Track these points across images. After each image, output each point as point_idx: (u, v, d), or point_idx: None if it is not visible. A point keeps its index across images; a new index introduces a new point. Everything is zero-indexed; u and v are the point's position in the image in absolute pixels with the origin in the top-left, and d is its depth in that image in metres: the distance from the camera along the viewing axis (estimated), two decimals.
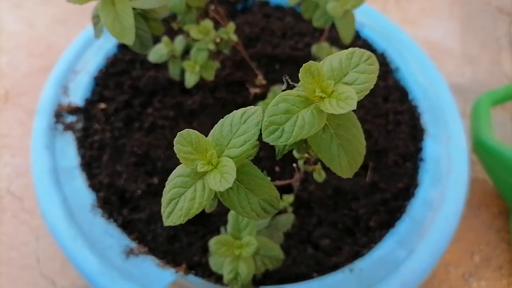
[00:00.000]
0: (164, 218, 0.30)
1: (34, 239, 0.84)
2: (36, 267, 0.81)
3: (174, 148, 0.29)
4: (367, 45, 0.84)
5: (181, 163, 0.32)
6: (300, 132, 0.29)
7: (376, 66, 0.30)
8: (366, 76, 0.29)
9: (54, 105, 0.70)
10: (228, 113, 0.75)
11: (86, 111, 0.71)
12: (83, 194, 0.62)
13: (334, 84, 0.29)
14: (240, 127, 0.30)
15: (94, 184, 0.64)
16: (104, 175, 0.64)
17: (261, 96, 0.71)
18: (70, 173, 0.64)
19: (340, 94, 0.28)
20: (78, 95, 0.72)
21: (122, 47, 0.78)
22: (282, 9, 0.87)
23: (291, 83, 0.32)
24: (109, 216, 0.61)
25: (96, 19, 0.44)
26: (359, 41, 0.84)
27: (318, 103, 0.29)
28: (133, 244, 0.59)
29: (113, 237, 0.59)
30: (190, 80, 0.59)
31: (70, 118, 0.69)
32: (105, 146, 0.67)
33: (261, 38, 0.82)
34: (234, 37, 0.58)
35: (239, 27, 0.81)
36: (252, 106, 0.30)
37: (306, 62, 0.80)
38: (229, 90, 0.74)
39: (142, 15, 0.45)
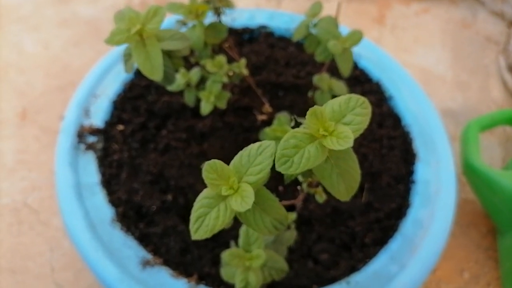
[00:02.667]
0: (192, 233, 0.35)
1: (49, 249, 0.89)
2: (50, 276, 0.85)
3: (203, 175, 0.35)
4: (364, 74, 0.89)
5: (205, 187, 0.37)
6: (306, 163, 0.34)
7: (368, 110, 0.36)
8: (361, 118, 0.35)
9: (77, 126, 0.74)
10: (236, 136, 0.80)
11: (105, 132, 0.75)
12: (103, 208, 0.66)
13: (335, 124, 0.35)
14: (256, 158, 0.36)
15: (113, 200, 0.68)
16: (122, 191, 0.69)
17: (268, 122, 0.76)
18: (92, 189, 0.68)
19: (340, 133, 0.34)
20: (98, 118, 0.76)
21: (138, 74, 0.83)
22: (285, 39, 0.93)
23: (298, 121, 0.38)
24: (127, 229, 0.65)
25: (127, 57, 0.50)
26: (357, 71, 0.89)
27: (321, 140, 0.35)
28: (149, 256, 0.62)
29: (131, 249, 0.63)
30: (206, 108, 0.64)
31: (91, 139, 0.74)
32: (123, 165, 0.72)
33: (266, 67, 0.87)
34: (245, 71, 0.64)
35: (246, 56, 0.86)
36: (267, 141, 0.36)
37: (307, 89, 0.85)
38: (237, 114, 0.79)
39: (167, 54, 0.51)
